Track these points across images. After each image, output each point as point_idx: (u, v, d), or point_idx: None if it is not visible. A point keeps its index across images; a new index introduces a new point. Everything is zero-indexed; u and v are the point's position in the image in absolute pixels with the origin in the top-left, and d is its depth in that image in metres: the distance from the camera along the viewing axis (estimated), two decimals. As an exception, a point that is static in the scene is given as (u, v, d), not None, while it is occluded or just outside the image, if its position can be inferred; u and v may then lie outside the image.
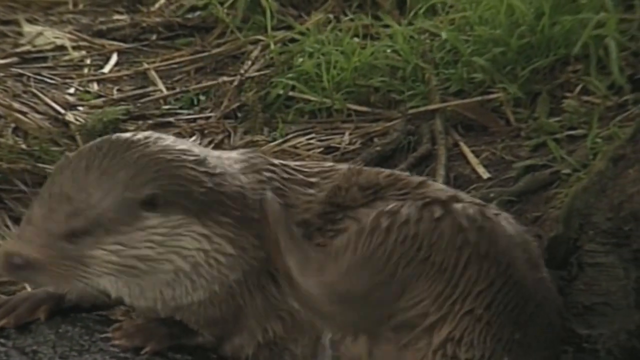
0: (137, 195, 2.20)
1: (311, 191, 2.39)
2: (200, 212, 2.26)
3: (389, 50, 3.19)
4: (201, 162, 2.25)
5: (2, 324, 2.44)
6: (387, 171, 2.49)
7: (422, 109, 3.10)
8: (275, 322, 2.43)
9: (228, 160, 2.35)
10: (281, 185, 2.38)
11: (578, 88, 3.02)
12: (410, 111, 3.10)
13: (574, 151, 2.86)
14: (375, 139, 3.09)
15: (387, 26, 3.30)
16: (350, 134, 3.11)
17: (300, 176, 2.40)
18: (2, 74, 3.28)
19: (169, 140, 2.26)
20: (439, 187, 2.49)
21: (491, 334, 2.35)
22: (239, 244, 2.34)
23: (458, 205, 2.37)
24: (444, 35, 3.15)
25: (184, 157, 2.24)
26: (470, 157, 2.96)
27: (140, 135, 2.24)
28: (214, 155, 2.31)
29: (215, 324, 2.42)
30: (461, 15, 3.18)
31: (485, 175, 2.90)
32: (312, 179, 2.42)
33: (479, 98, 3.07)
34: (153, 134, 2.25)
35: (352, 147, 3.08)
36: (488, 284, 2.35)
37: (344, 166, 2.49)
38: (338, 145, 3.09)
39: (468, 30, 3.13)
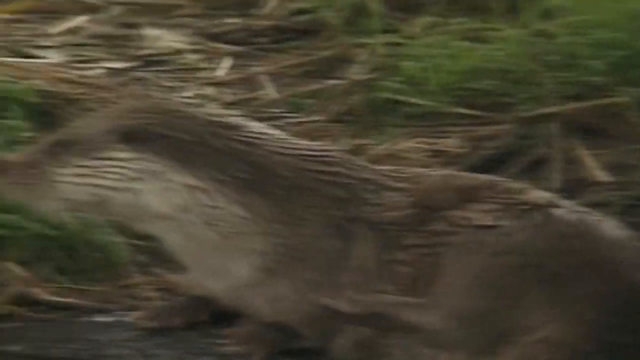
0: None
1: (402, 193, 2.33)
2: None
3: (499, 54, 3.11)
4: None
5: (169, 324, 2.50)
6: (486, 177, 2.42)
7: (535, 112, 2.99)
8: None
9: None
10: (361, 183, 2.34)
11: None
12: (523, 115, 3.01)
13: None
14: (485, 143, 2.99)
15: (497, 29, 3.24)
16: (458, 138, 3.02)
17: (391, 181, 2.36)
18: (126, 77, 3.31)
19: None
20: (538, 194, 2.38)
21: (599, 337, 2.26)
22: None
23: (559, 211, 2.29)
24: (561, 38, 3.07)
25: None
26: (589, 160, 2.87)
27: None
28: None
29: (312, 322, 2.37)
30: (580, 19, 3.10)
31: (605, 179, 2.80)
32: (403, 184, 2.36)
33: (598, 102, 2.97)
34: None
35: (460, 151, 2.99)
36: (594, 289, 2.26)
37: (439, 172, 2.46)
38: (445, 149, 3.00)
39: (587, 33, 3.05)
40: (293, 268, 2.40)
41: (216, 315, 2.52)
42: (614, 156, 2.88)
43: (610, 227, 2.34)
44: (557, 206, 2.32)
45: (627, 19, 2.99)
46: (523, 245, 2.27)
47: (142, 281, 2.73)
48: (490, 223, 2.28)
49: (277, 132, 2.44)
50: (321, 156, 2.43)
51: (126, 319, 2.59)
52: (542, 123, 2.95)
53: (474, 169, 2.88)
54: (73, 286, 2.69)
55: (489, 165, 2.88)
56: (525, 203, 2.33)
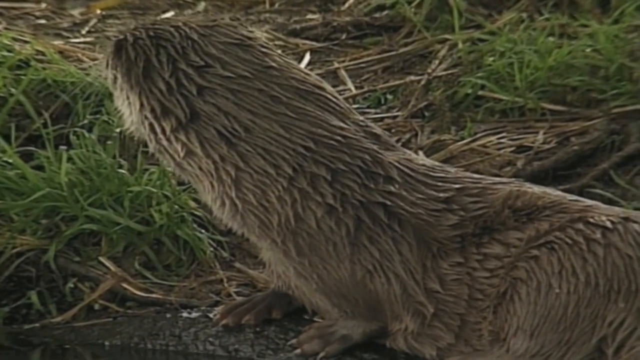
0: None
1: (461, 212, 2.16)
2: None
3: (588, 50, 2.93)
4: None
5: (245, 321, 2.44)
6: (552, 196, 2.20)
7: (629, 108, 2.81)
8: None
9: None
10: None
11: None
12: (615, 110, 2.82)
13: None
14: (573, 138, 2.82)
15: (585, 25, 3.06)
16: (544, 133, 2.85)
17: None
18: None
19: None
20: (604, 210, 2.17)
21: None
22: None
23: (630, 225, 2.08)
24: None
25: None
26: None
27: None
28: None
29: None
30: None
31: None
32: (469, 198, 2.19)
33: None
34: None
35: (546, 147, 2.81)
36: None
37: (509, 183, 2.23)
38: (531, 145, 2.82)
39: None
40: (388, 267, 2.25)
41: (291, 312, 2.46)
42: None
43: None
44: (626, 221, 2.11)
45: None
46: (597, 265, 2.07)
47: (225, 277, 2.66)
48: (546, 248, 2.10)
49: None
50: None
51: (210, 314, 2.54)
52: (636, 119, 2.78)
53: (563, 163, 2.71)
54: (160, 282, 2.63)
55: (576, 160, 2.70)
56: (584, 219, 2.11)
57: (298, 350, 2.35)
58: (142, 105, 2.24)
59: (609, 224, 2.12)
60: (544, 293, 2.15)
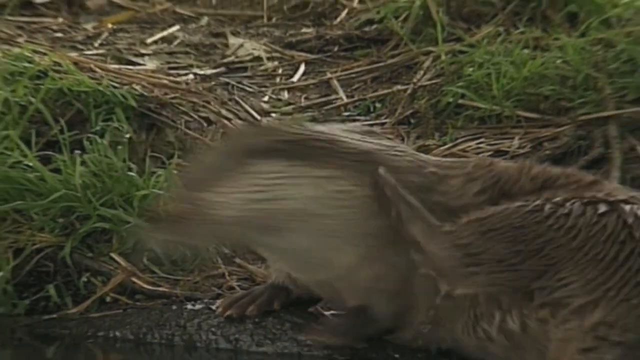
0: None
1: (470, 184, 2.24)
2: None
3: (559, 61, 2.97)
4: None
5: (248, 312, 2.46)
6: (560, 169, 2.29)
7: (593, 115, 2.86)
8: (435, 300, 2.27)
9: None
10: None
11: None
12: (581, 118, 2.87)
13: None
14: (545, 143, 2.87)
15: (556, 39, 3.09)
16: (519, 139, 2.90)
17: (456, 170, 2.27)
18: (213, 83, 3.22)
19: None
20: (613, 187, 2.28)
21: None
22: None
23: (626, 205, 2.18)
24: (620, 46, 2.91)
25: None
26: None
27: None
28: None
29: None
30: (639, 28, 2.97)
31: None
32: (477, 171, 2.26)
33: None
34: None
35: (521, 151, 2.85)
36: None
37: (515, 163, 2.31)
38: (507, 149, 2.87)
39: None
40: (386, 253, 2.28)
41: (289, 304, 2.48)
42: None
43: None
44: (626, 201, 2.18)
45: None
46: (575, 228, 2.16)
47: (227, 271, 2.68)
48: (554, 206, 2.16)
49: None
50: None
51: (212, 306, 2.55)
52: (600, 125, 2.82)
53: None
54: (166, 276, 2.66)
55: (549, 164, 2.64)
56: (595, 194, 2.21)
57: (310, 340, 2.32)
58: None
59: (611, 200, 2.17)
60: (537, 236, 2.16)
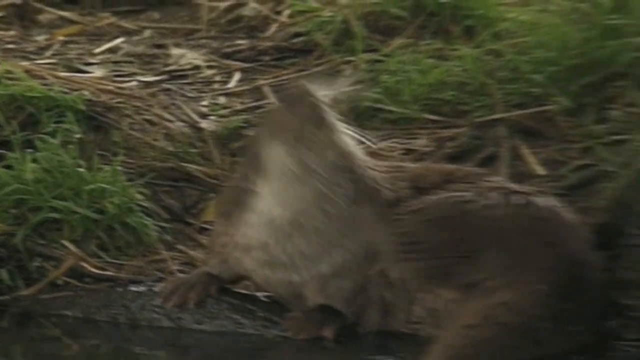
0: None
1: (400, 182, 2.49)
2: None
3: (458, 69, 3.14)
4: None
5: (188, 300, 2.58)
6: (457, 166, 2.59)
7: (487, 118, 3.03)
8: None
9: None
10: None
11: (621, 100, 2.92)
12: (477, 120, 3.05)
13: (618, 153, 2.77)
14: (447, 143, 3.03)
15: (456, 49, 3.25)
16: (426, 139, 3.06)
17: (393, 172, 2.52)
18: (156, 89, 3.30)
19: None
20: (498, 179, 2.54)
21: (543, 303, 2.34)
22: None
23: (537, 199, 2.41)
24: (508, 56, 3.09)
25: None
26: (529, 157, 2.90)
27: None
28: None
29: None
30: (522, 40, 3.13)
31: (541, 172, 2.84)
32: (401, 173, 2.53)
33: (537, 109, 3.00)
34: None
35: (427, 149, 3.02)
36: (550, 263, 2.35)
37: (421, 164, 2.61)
38: (416, 148, 3.04)
39: (528, 53, 3.06)
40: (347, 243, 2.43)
41: (225, 289, 2.60)
42: (549, 153, 2.90)
43: (569, 214, 2.44)
44: (528, 191, 2.42)
45: (558, 42, 2.99)
46: (498, 219, 2.36)
47: (168, 257, 2.81)
48: (479, 197, 2.39)
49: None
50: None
51: (155, 288, 2.67)
52: (492, 127, 2.99)
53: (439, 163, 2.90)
54: (112, 261, 2.79)
55: (450, 161, 2.91)
56: (493, 186, 2.44)
57: (291, 334, 2.44)
58: None
59: (524, 191, 2.40)
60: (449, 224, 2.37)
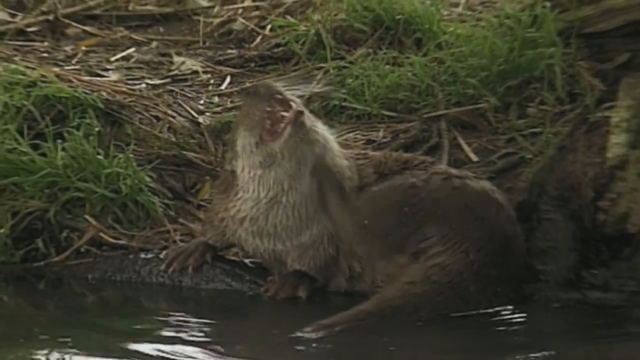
0: None
1: (368, 168, 2.62)
2: None
3: (410, 74, 3.29)
4: None
5: (186, 265, 2.69)
6: (410, 154, 2.77)
7: (432, 114, 3.21)
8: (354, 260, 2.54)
9: None
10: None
11: (537, 100, 3.13)
12: (424, 116, 3.22)
13: (534, 143, 2.99)
14: (400, 135, 3.21)
15: (408, 57, 3.40)
16: (384, 131, 3.23)
17: (361, 160, 2.64)
18: (161, 90, 3.45)
19: None
20: (444, 165, 2.73)
21: (473, 269, 2.48)
22: None
23: (472, 182, 2.57)
24: (448, 63, 3.24)
25: None
26: (465, 147, 3.11)
27: None
28: None
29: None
30: (459, 50, 3.28)
31: (474, 159, 3.05)
32: (366, 160, 2.66)
33: (472, 107, 3.19)
34: None
35: (385, 140, 3.20)
36: (481, 235, 2.51)
37: (379, 153, 2.73)
38: (375, 139, 3.21)
39: (464, 60, 3.23)
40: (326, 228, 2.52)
41: (219, 256, 2.75)
42: (481, 143, 3.09)
43: (499, 194, 2.59)
44: (468, 177, 2.57)
45: (488, 51, 3.17)
46: (440, 199, 2.51)
47: (171, 229, 3.00)
48: (423, 182, 2.53)
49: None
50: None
51: (161, 255, 2.85)
52: (436, 121, 3.17)
53: (395, 151, 3.02)
54: (125, 232, 2.98)
55: (403, 149, 3.09)
56: (439, 171, 2.60)
57: (271, 294, 2.56)
58: None
59: (460, 175, 2.55)
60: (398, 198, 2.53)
